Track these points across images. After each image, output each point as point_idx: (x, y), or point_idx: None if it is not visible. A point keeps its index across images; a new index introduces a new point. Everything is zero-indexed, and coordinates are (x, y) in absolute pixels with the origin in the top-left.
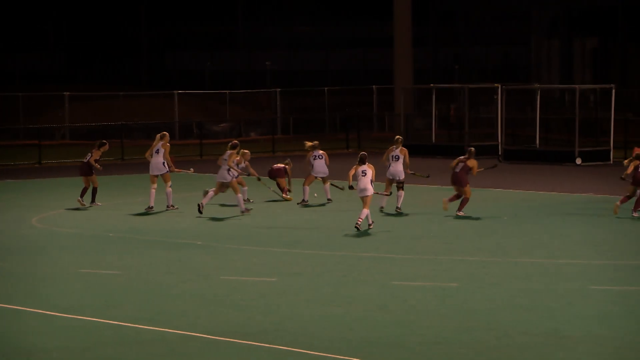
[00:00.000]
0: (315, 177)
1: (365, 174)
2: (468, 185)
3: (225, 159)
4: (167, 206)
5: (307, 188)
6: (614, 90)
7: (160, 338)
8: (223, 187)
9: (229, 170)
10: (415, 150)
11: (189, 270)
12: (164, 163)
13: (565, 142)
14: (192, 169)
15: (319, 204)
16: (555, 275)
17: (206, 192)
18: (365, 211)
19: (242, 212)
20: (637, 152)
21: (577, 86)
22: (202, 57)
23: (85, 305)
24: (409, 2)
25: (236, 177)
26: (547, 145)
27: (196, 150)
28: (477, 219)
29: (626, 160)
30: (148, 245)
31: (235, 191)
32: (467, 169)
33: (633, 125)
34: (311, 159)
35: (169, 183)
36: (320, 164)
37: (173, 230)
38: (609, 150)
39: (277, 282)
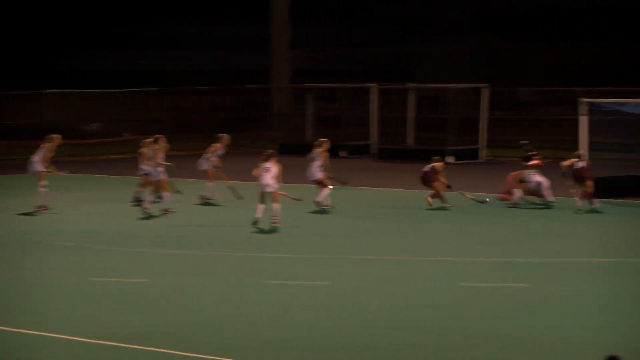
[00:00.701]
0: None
1: (268, 170)
2: (437, 181)
3: (151, 157)
4: (38, 206)
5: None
6: (487, 90)
7: (45, 342)
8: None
9: (157, 167)
10: (292, 150)
11: (70, 271)
12: (35, 162)
13: (440, 140)
14: (66, 171)
15: (218, 204)
16: (462, 275)
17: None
18: (276, 206)
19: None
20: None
21: (449, 85)
22: (93, 56)
23: None
24: (286, 2)
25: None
26: (420, 144)
27: (65, 151)
28: (361, 218)
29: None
30: (25, 248)
31: (164, 189)
32: (435, 170)
33: (508, 125)
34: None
35: (43, 182)
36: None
37: (54, 232)
38: (480, 149)
39: (169, 283)
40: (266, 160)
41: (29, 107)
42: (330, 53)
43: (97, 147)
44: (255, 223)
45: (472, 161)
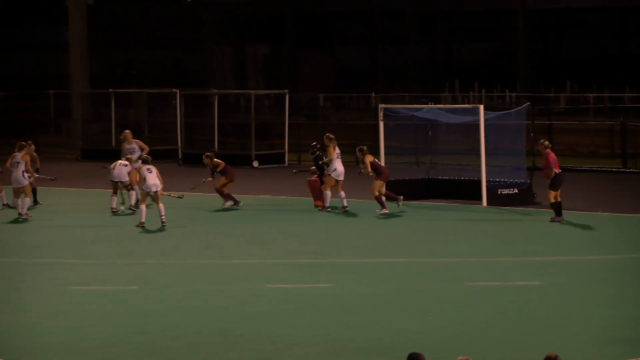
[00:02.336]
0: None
1: (151, 171)
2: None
3: (18, 162)
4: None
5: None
6: (287, 96)
7: None
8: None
9: (24, 173)
10: (95, 156)
11: None
12: None
13: (242, 145)
14: None
15: None
16: (228, 275)
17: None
18: (161, 206)
19: (22, 215)
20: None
21: (252, 91)
22: None
23: None
24: (84, 7)
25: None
26: (225, 149)
27: None
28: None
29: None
30: None
31: (26, 195)
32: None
33: (305, 129)
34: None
35: None
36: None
37: None
38: (284, 153)
39: None
40: (145, 163)
41: None
42: (124, 58)
43: None
44: (141, 224)
45: (277, 165)
